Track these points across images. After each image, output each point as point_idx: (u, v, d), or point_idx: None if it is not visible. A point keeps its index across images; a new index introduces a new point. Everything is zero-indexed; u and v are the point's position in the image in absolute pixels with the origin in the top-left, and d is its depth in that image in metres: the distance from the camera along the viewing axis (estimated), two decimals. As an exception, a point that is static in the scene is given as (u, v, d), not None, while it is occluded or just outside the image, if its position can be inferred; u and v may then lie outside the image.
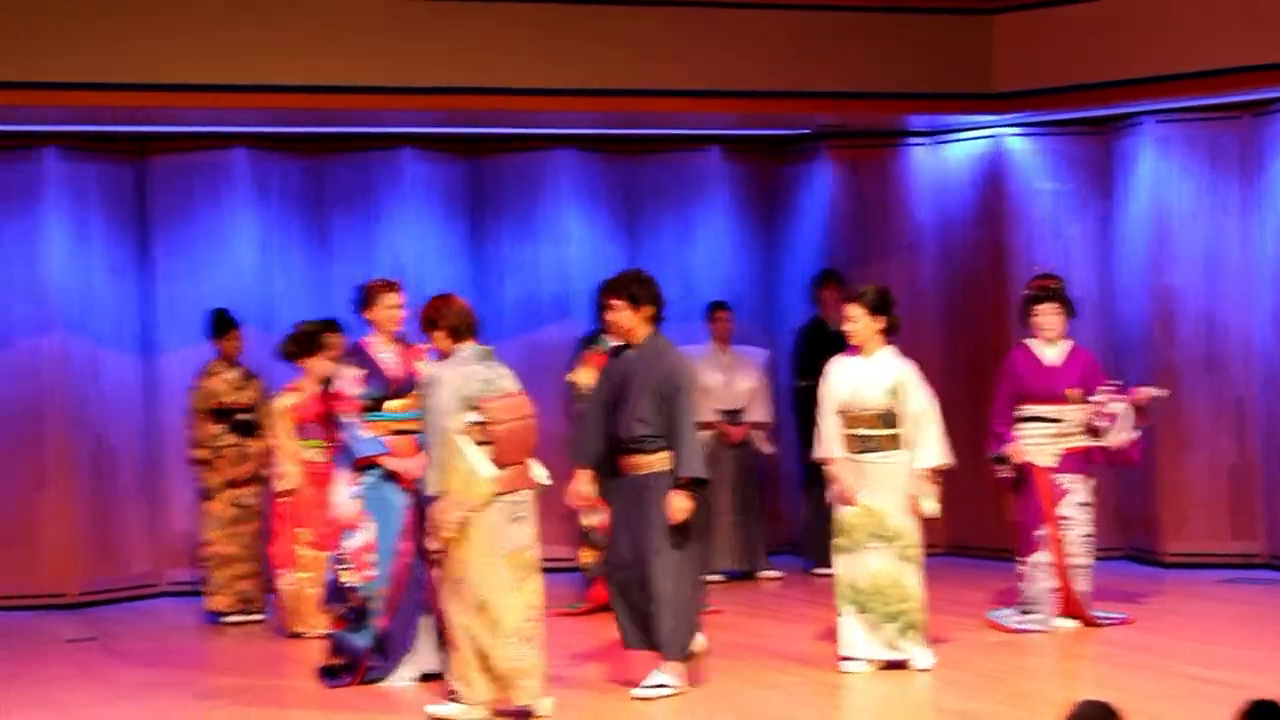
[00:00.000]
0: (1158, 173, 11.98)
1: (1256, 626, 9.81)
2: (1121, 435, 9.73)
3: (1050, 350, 9.95)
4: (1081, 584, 9.73)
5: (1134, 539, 12.23)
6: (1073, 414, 9.79)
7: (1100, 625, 9.72)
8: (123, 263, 11.95)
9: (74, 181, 11.73)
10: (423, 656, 8.65)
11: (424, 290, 12.04)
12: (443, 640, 8.59)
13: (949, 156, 12.84)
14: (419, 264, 12.33)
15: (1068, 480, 9.76)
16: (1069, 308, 10.01)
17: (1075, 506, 9.76)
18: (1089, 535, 9.79)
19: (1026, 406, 9.87)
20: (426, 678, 8.63)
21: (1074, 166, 12.42)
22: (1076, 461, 9.80)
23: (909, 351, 12.72)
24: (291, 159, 12.35)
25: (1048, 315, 9.96)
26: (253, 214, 12.14)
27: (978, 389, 12.22)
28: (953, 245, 12.82)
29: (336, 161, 12.46)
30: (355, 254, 12.35)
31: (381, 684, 8.57)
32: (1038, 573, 9.73)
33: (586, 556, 10.73)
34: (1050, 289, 10.04)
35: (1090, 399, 9.73)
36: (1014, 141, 12.46)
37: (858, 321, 8.83)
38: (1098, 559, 10.24)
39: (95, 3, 10.40)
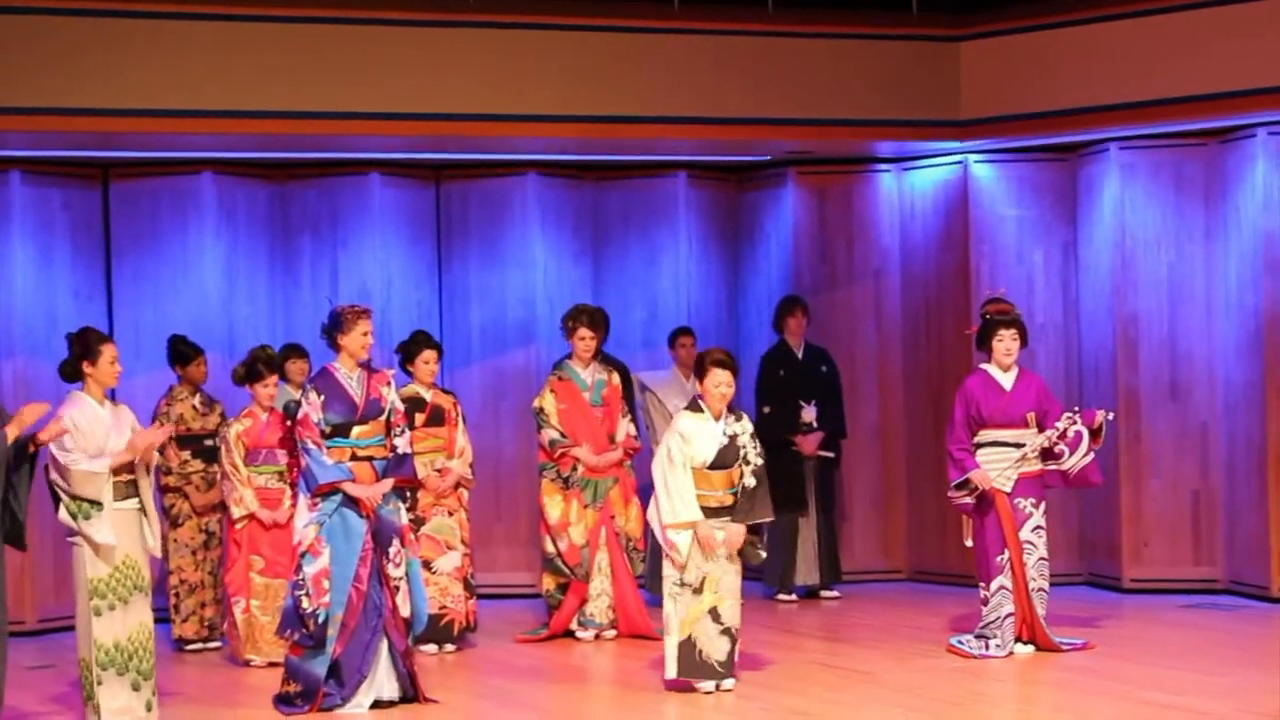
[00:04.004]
0: (1122, 199, 12.01)
1: (1216, 652, 9.81)
2: (1078, 459, 9.80)
3: (1006, 376, 9.98)
4: (1040, 608, 9.76)
5: (1095, 564, 12.24)
6: (1032, 438, 9.82)
7: (1060, 650, 9.74)
8: (87, 287, 11.91)
9: (38, 206, 11.67)
10: (379, 684, 8.64)
11: (390, 316, 12.20)
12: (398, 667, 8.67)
13: (915, 183, 12.85)
14: (385, 289, 12.33)
15: (1026, 504, 9.80)
16: (1025, 334, 10.09)
17: (1032, 531, 9.80)
18: (1045, 559, 9.83)
19: (986, 432, 9.90)
20: (382, 704, 8.63)
21: (1039, 193, 12.45)
22: (1032, 486, 9.84)
23: (875, 377, 12.92)
24: (257, 184, 12.32)
25: (1010, 341, 9.99)
26: (218, 239, 12.10)
27: (941, 414, 12.25)
28: (918, 271, 12.83)
29: (303, 186, 12.44)
30: (321, 279, 12.34)
31: (337, 712, 8.54)
32: (999, 598, 9.75)
33: (549, 583, 10.74)
34: (1013, 314, 10.09)
35: (1056, 424, 9.78)
36: (979, 168, 12.48)
37: None
38: (1058, 584, 10.28)
39: (59, 28, 10.37)
